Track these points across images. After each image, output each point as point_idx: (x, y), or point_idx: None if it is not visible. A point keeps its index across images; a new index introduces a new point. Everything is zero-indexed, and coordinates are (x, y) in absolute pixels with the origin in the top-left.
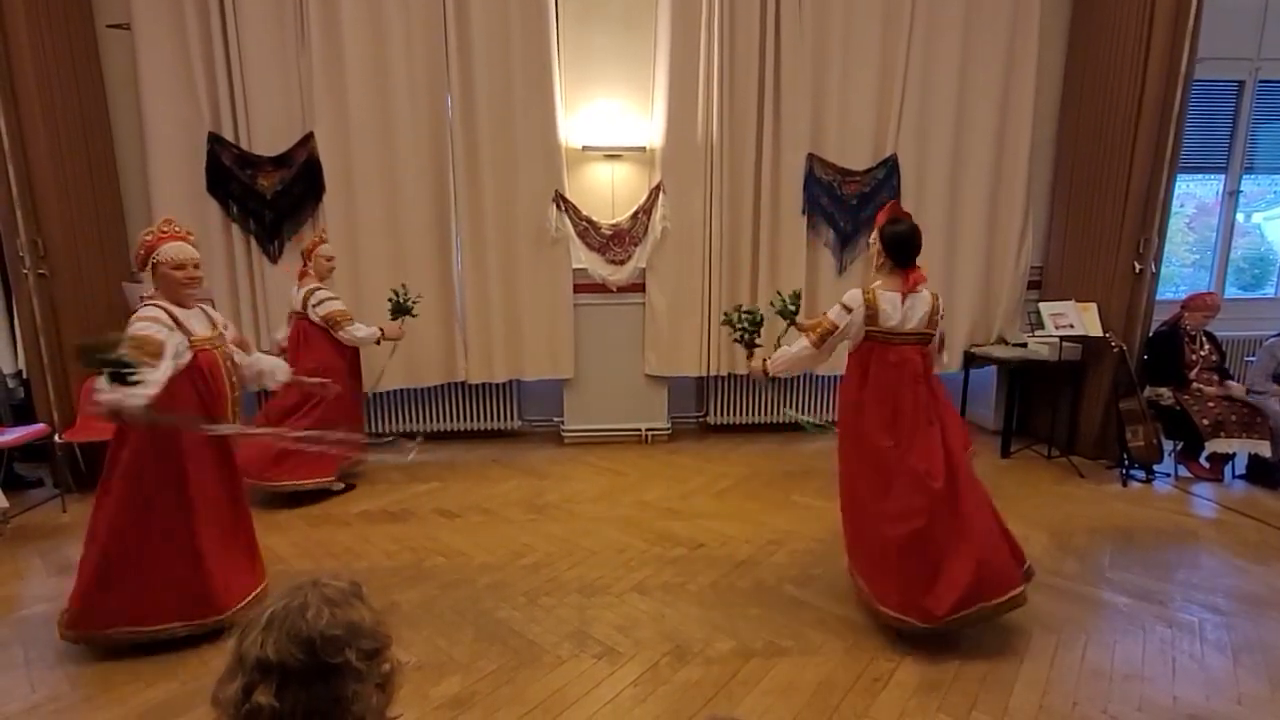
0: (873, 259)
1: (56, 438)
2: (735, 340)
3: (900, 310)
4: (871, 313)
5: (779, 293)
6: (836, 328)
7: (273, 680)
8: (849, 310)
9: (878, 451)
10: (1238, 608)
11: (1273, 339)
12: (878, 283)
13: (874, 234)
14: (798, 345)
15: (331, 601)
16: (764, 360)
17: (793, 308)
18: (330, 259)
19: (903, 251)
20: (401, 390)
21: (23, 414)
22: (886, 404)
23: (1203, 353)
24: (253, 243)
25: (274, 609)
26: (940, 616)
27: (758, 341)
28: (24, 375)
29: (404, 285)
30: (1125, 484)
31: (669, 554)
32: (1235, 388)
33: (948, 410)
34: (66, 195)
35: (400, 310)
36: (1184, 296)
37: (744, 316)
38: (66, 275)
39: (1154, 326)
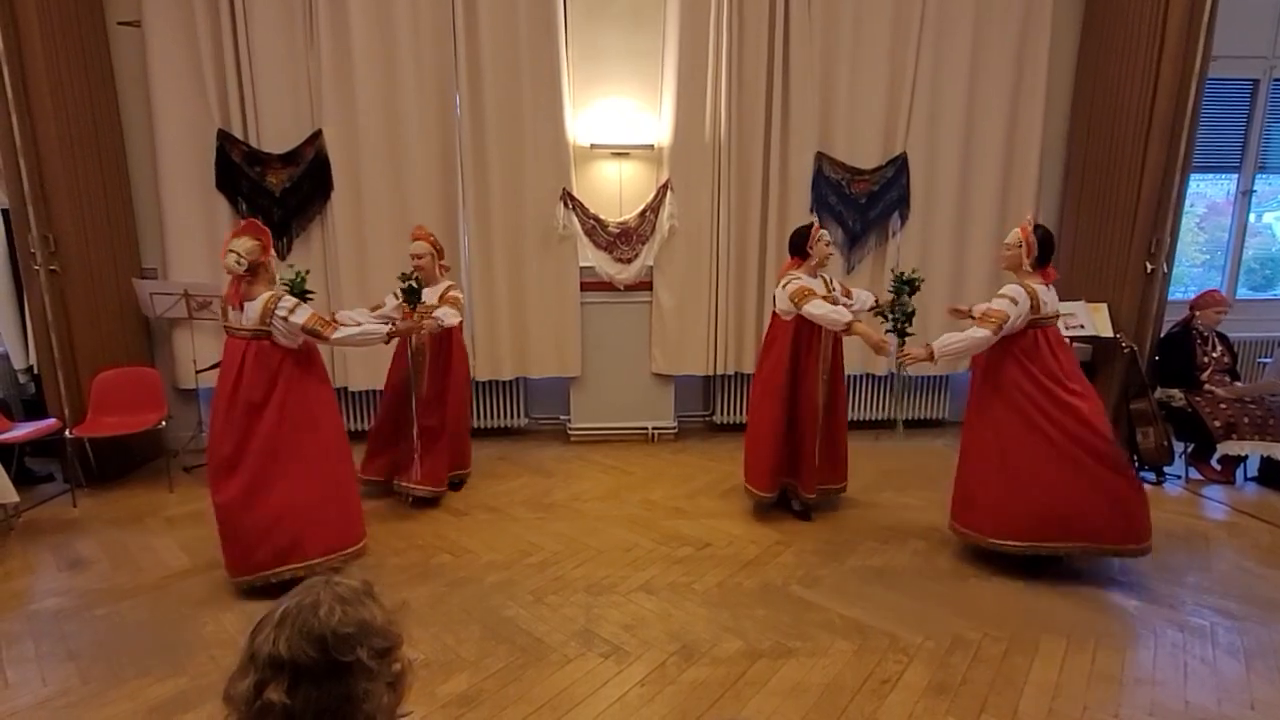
0: (1013, 258)
1: (67, 433)
2: (889, 331)
3: (1053, 297)
4: (1034, 303)
5: (894, 271)
6: (1008, 318)
7: (284, 677)
8: (1015, 303)
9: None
10: (1250, 612)
11: None
12: (1027, 280)
13: (1016, 234)
14: (972, 334)
15: (344, 599)
16: (928, 346)
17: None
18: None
19: (1048, 250)
20: None
21: (34, 409)
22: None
23: (1215, 354)
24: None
25: (286, 606)
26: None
27: (909, 330)
28: (35, 370)
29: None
30: None
31: (676, 553)
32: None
33: None
34: (77, 191)
35: (413, 295)
36: (1192, 297)
37: (898, 307)
38: (77, 271)
39: (1165, 327)
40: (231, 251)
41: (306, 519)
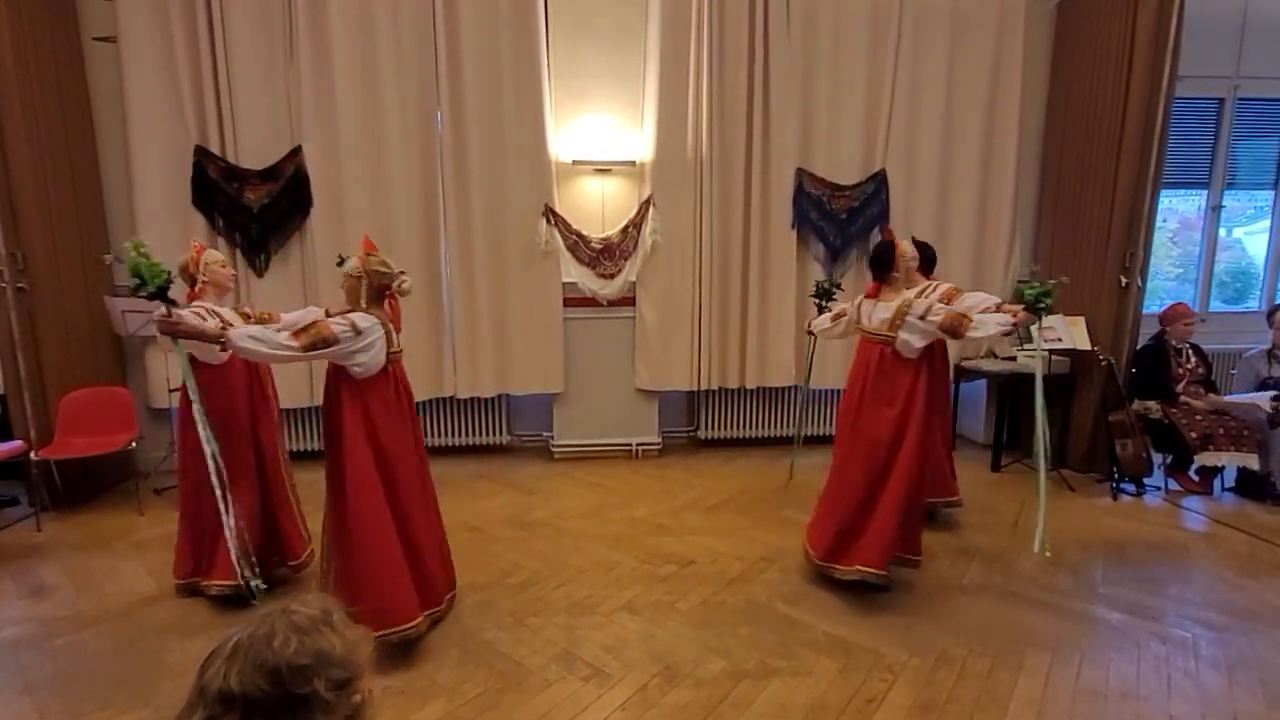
0: None
1: (33, 455)
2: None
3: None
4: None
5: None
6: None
7: (235, 713)
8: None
9: None
10: (1231, 623)
11: (1251, 351)
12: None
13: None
14: None
15: (300, 629)
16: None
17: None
18: (225, 265)
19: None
20: None
21: None
22: None
23: (1189, 365)
24: (239, 256)
25: (239, 637)
26: None
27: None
28: (1, 390)
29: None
30: (1116, 497)
31: (659, 571)
32: (1217, 400)
33: None
34: (48, 208)
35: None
36: (1160, 312)
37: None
38: (47, 289)
39: (1141, 340)
40: (403, 274)
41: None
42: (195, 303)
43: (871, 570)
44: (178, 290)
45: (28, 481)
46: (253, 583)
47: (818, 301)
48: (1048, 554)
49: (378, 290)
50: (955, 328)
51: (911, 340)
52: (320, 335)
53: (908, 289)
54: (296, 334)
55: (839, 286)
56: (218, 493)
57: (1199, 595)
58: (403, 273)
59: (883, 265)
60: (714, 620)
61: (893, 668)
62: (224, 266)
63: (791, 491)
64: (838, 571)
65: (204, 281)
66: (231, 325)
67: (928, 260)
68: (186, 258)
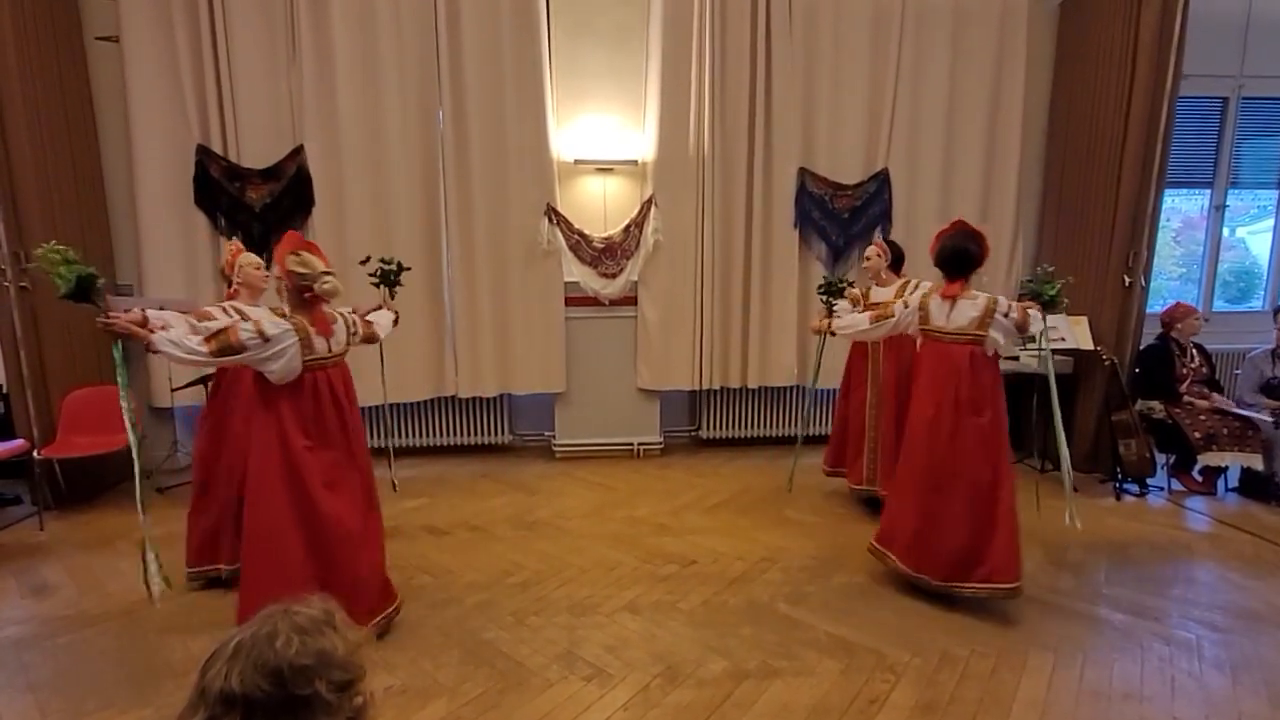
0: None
1: (35, 454)
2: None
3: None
4: (924, 313)
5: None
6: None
7: (237, 714)
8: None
9: None
10: (1235, 624)
11: (1256, 352)
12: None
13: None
14: (855, 319)
15: (302, 629)
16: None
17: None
18: (260, 267)
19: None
20: (390, 404)
21: (1, 429)
22: None
23: (1193, 365)
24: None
25: (241, 637)
26: None
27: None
28: (3, 389)
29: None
30: (1119, 498)
31: (660, 571)
32: (1221, 401)
33: None
34: (50, 207)
35: (387, 280)
36: (1161, 312)
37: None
38: (49, 288)
39: (1144, 340)
40: (327, 274)
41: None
42: (228, 303)
43: (1004, 585)
44: (182, 288)
45: (30, 480)
46: (155, 582)
47: (827, 299)
48: (1079, 525)
49: (298, 292)
50: (1023, 324)
51: (999, 339)
52: (227, 342)
53: (880, 286)
54: (207, 339)
55: (849, 283)
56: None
57: (1203, 596)
58: (327, 273)
59: (970, 265)
60: (716, 620)
61: (895, 668)
62: (259, 269)
63: (793, 492)
64: (966, 590)
65: (238, 283)
66: (244, 324)
67: (896, 259)
68: (224, 259)
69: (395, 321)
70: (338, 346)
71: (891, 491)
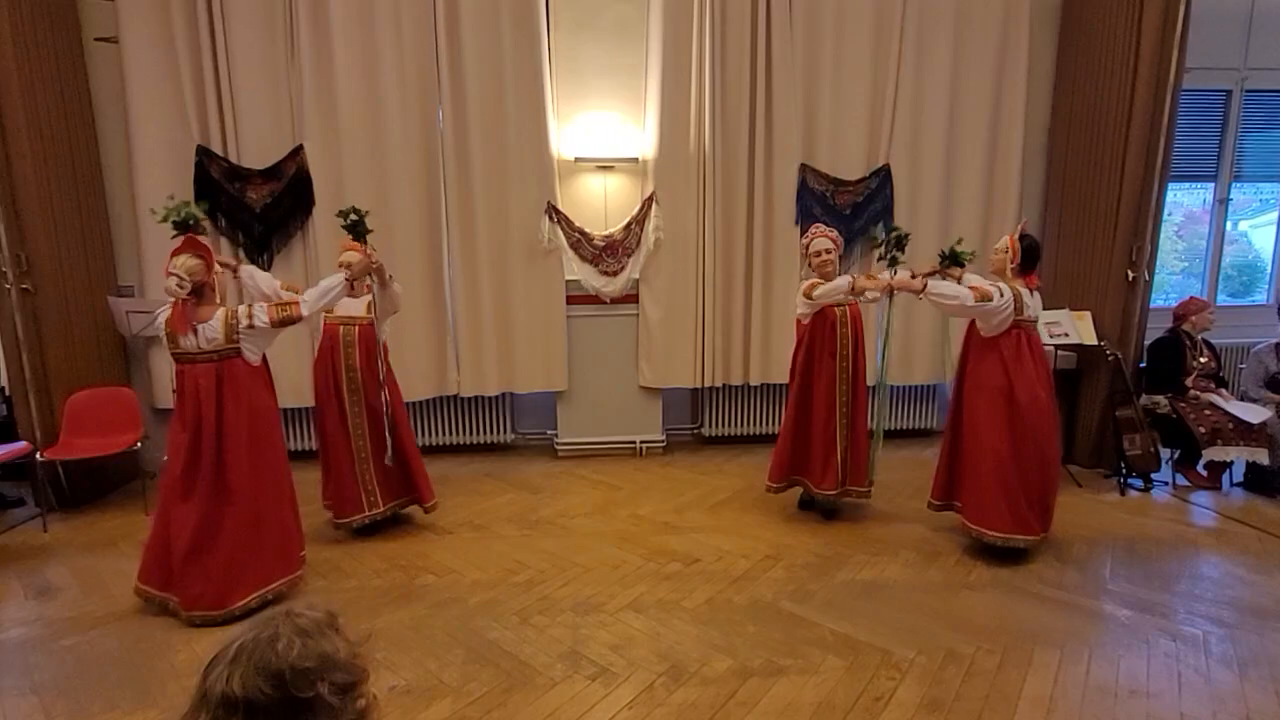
0: (999, 263)
1: (38, 456)
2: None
3: (1036, 302)
4: (1018, 303)
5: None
6: (991, 296)
7: (238, 717)
8: (1001, 293)
9: None
10: (1242, 620)
11: (1260, 346)
12: (1012, 283)
13: (1004, 240)
14: (959, 289)
15: (304, 632)
16: (920, 277)
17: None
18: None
19: (1031, 258)
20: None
21: (3, 432)
22: None
23: (1202, 359)
24: (242, 256)
25: (242, 640)
26: None
27: (900, 258)
28: (6, 391)
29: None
30: (1124, 493)
31: (664, 570)
32: (1225, 396)
33: None
34: (51, 209)
35: (357, 231)
36: (1175, 305)
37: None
38: (50, 290)
39: (1148, 334)
40: (172, 274)
41: (249, 559)
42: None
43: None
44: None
45: (33, 482)
46: None
47: (893, 253)
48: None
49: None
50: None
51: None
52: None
53: (822, 279)
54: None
55: (972, 254)
56: None
57: (1209, 591)
58: (170, 274)
59: (1037, 259)
60: (720, 618)
61: (900, 666)
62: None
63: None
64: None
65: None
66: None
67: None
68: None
69: (386, 280)
70: (209, 344)
71: (992, 480)
